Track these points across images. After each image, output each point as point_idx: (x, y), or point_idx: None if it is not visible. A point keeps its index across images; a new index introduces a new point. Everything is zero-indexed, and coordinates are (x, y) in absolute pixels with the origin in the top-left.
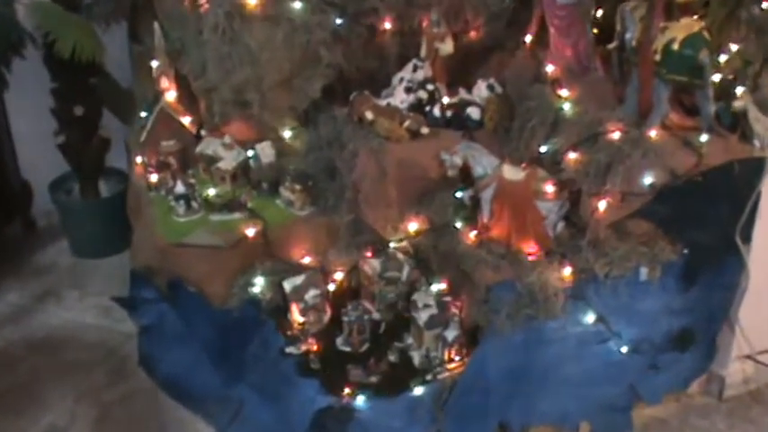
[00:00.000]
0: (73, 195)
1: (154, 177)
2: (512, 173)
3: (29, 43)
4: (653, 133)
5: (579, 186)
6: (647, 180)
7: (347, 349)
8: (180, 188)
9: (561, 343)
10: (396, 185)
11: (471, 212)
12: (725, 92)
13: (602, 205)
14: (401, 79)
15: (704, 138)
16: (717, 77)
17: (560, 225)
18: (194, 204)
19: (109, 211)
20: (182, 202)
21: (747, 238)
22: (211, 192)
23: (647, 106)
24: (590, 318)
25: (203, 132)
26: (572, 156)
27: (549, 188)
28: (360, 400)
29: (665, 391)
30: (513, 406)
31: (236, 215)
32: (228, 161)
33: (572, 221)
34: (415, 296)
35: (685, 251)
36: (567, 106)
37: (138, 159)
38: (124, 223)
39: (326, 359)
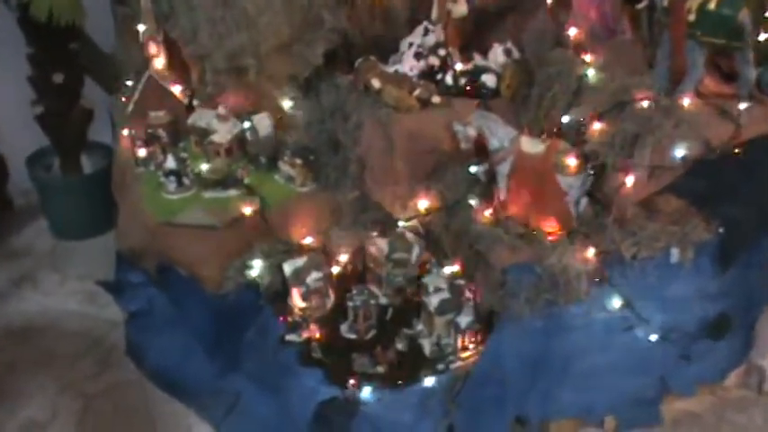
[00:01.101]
0: (52, 171)
1: (142, 151)
2: (530, 145)
3: (1, 4)
4: (686, 101)
5: (604, 160)
6: (679, 152)
7: (352, 337)
8: (170, 163)
9: (584, 330)
10: (404, 159)
11: (486, 188)
12: (767, 55)
13: (629, 180)
14: (410, 44)
15: (743, 106)
16: (758, 39)
17: (583, 202)
18: (186, 181)
19: (92, 188)
20: (172, 178)
21: None
22: (204, 167)
23: (679, 71)
24: (616, 303)
25: (195, 103)
26: (596, 126)
27: (572, 161)
28: (366, 392)
29: (699, 383)
30: (532, 398)
31: (232, 192)
32: (223, 134)
33: (596, 198)
34: (426, 279)
35: (720, 230)
36: (590, 72)
37: (125, 132)
38: (109, 201)
39: (330, 347)
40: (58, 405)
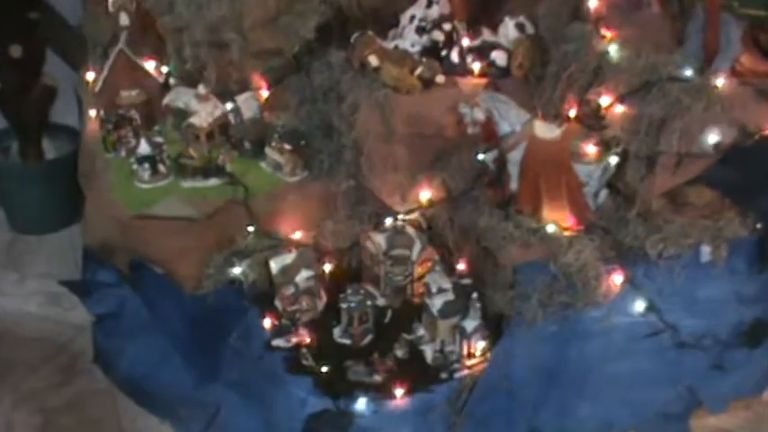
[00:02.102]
0: (10, 156)
1: (112, 135)
2: (545, 130)
3: None
4: (720, 81)
5: (627, 147)
6: (712, 138)
7: (346, 342)
8: (144, 148)
9: (604, 336)
10: (405, 145)
11: (496, 178)
12: None
13: (655, 169)
14: (412, 17)
15: None
16: None
17: (603, 193)
18: (161, 168)
19: (55, 176)
20: (146, 165)
21: None
22: (182, 153)
23: (713, 48)
24: (639, 306)
25: (172, 81)
26: (619, 109)
27: (591, 149)
28: (361, 404)
29: (733, 397)
30: (545, 411)
31: (213, 181)
32: (203, 116)
33: (617, 189)
34: (428, 279)
35: (758, 225)
36: (612, 49)
37: (92, 113)
38: (74, 191)
39: (321, 354)
40: (14, 421)
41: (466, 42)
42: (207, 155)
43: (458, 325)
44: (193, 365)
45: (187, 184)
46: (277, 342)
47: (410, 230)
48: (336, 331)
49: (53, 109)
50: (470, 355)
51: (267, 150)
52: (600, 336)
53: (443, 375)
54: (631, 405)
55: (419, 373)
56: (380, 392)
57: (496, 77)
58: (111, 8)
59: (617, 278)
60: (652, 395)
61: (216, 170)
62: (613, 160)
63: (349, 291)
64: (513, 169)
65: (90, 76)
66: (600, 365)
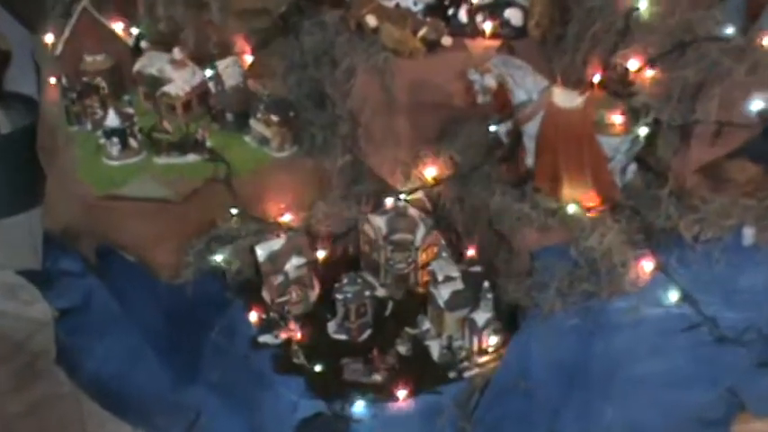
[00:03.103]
0: None
1: (75, 106)
2: (565, 98)
3: None
4: (765, 41)
5: (658, 116)
6: (755, 106)
7: (342, 338)
8: (112, 120)
9: (633, 330)
10: (407, 116)
11: (510, 153)
12: None
13: (690, 142)
14: None
15: None
16: None
17: (631, 169)
18: (132, 143)
19: (11, 152)
20: (115, 139)
21: None
22: (156, 126)
23: (757, 3)
24: (673, 296)
25: (143, 44)
26: (649, 74)
27: (617, 118)
28: (359, 407)
29: None
30: (567, 415)
31: (191, 157)
32: (179, 84)
33: (648, 164)
34: (434, 266)
35: None
36: (642, 5)
37: (52, 80)
38: (33, 169)
39: (314, 351)
40: None
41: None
42: (184, 128)
43: (467, 318)
44: (170, 365)
45: (161, 160)
46: (264, 338)
47: (413, 212)
48: (331, 326)
49: (7, 76)
50: (482, 352)
51: (252, 123)
52: (628, 329)
53: (451, 374)
54: (664, 409)
55: (424, 372)
56: (380, 394)
57: (510, 39)
58: None
59: (647, 264)
60: (687, 397)
61: (194, 145)
62: (643, 131)
63: (345, 280)
64: (530, 143)
65: (49, 38)
66: (628, 363)
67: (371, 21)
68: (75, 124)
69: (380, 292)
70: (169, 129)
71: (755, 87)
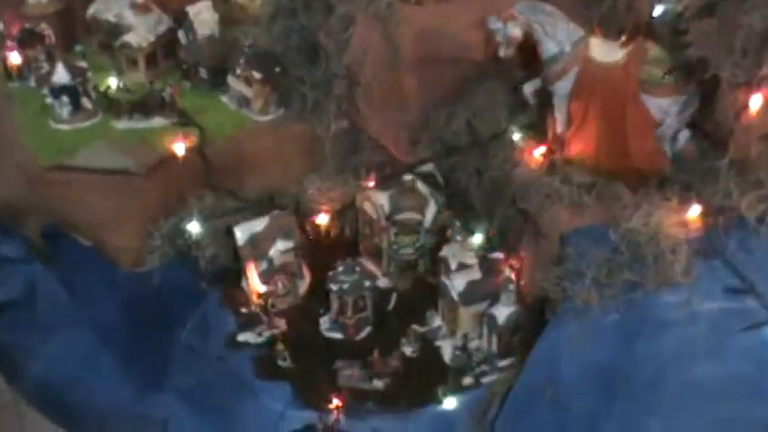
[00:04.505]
0: None
1: (15, 57)
2: (604, 51)
3: None
4: None
5: (717, 71)
6: None
7: (337, 336)
8: (61, 76)
9: (684, 328)
10: (415, 73)
11: (537, 116)
12: None
13: (754, 103)
14: None
15: None
16: None
17: (683, 136)
18: (86, 103)
19: None
20: (65, 99)
21: None
22: (115, 83)
23: None
24: (732, 288)
25: None
26: (704, 22)
27: (666, 76)
28: (356, 418)
29: None
30: (605, 429)
31: (157, 121)
32: (142, 33)
33: (703, 130)
34: (446, 251)
35: None
36: None
37: None
38: None
39: (303, 352)
40: None
41: None
42: (147, 86)
43: (486, 313)
44: (132, 369)
45: (121, 124)
46: (244, 337)
47: (422, 187)
48: (324, 322)
49: None
50: (503, 354)
51: (230, 80)
52: (678, 328)
53: (466, 381)
54: (721, 423)
55: (434, 378)
56: (382, 403)
57: None
58: None
59: (702, 250)
60: (750, 408)
61: (160, 106)
62: (698, 91)
63: (340, 268)
64: (561, 104)
65: None
66: (678, 368)
67: None
68: (16, 80)
69: (382, 283)
70: (130, 86)
71: None
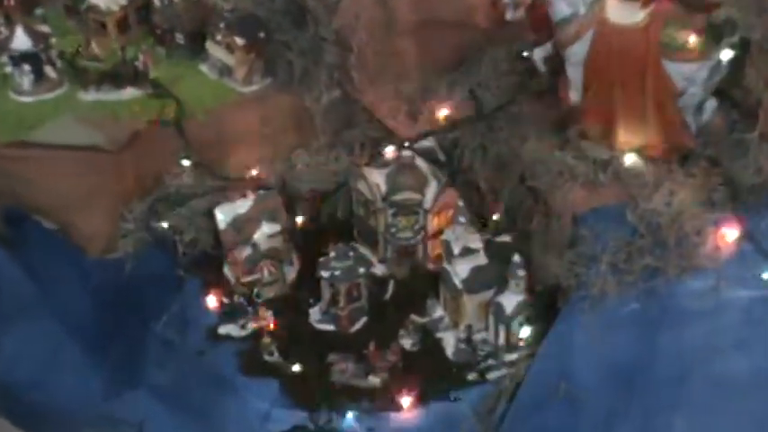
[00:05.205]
0: None
1: None
2: (622, 12)
3: None
4: None
5: (747, 35)
6: None
7: (329, 328)
8: (22, 42)
9: (710, 319)
10: (413, 39)
11: (548, 85)
12: None
13: None
14: None
15: None
16: None
17: (710, 106)
18: (50, 72)
19: None
20: (26, 67)
21: None
22: (81, 50)
23: None
24: (764, 275)
25: None
26: None
27: (691, 38)
28: (350, 418)
29: None
30: (623, 429)
31: (129, 92)
32: None
33: (732, 100)
34: (448, 235)
35: None
36: None
37: None
38: None
39: (292, 346)
40: None
41: None
42: (119, 53)
43: (492, 302)
44: (102, 365)
45: (89, 96)
46: (227, 329)
47: (422, 164)
48: (314, 312)
49: None
50: (511, 347)
51: (209, 46)
52: (703, 318)
53: (471, 376)
54: (751, 421)
55: (435, 373)
56: (378, 401)
57: None
58: None
59: (730, 233)
60: None
61: (133, 76)
62: (726, 56)
63: (333, 254)
64: (575, 72)
65: None
66: (703, 362)
67: None
68: None
69: (378, 270)
70: (99, 54)
71: None
